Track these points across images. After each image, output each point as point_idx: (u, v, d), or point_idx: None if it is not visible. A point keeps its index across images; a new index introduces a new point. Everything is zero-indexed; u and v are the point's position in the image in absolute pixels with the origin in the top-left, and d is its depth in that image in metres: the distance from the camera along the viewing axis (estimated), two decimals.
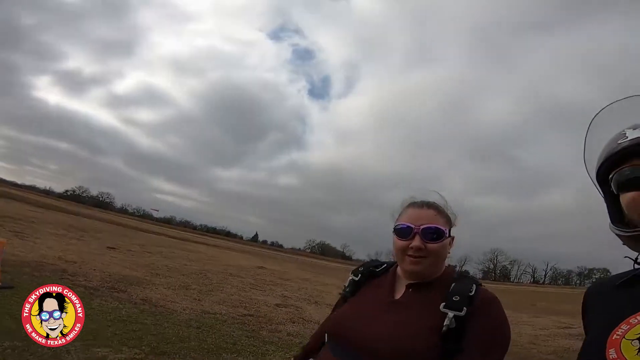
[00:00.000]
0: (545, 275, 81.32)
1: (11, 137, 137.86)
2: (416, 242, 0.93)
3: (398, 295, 0.97)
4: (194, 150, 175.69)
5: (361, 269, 1.10)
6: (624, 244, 0.67)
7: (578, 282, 73.13)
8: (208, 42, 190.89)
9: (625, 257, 0.68)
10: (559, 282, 76.92)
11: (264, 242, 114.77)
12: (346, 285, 1.09)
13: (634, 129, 0.67)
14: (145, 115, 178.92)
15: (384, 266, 1.08)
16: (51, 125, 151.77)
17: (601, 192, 0.73)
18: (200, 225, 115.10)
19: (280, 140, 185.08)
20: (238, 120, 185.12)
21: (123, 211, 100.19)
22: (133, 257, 11.71)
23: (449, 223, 1.00)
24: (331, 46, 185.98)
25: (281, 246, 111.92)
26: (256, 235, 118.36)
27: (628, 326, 0.58)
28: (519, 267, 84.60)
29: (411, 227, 0.94)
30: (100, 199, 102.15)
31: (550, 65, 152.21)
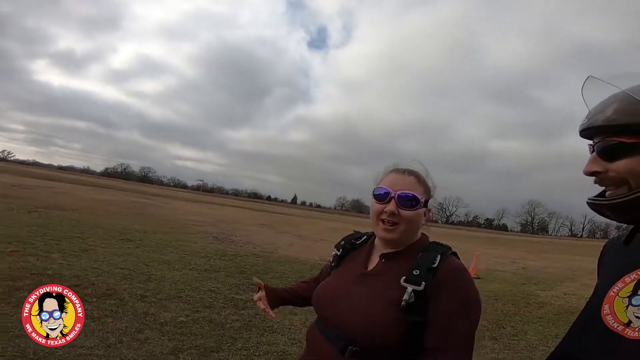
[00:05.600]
0: (582, 229, 78.31)
1: (31, 122, 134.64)
2: (391, 206, 0.94)
3: (372, 266, 1.00)
4: (203, 115, 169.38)
5: (342, 242, 1.12)
6: None
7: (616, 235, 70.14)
8: (194, 4, 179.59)
9: None
10: (597, 235, 73.69)
11: (303, 203, 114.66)
12: (331, 261, 1.13)
13: (587, 116, 0.73)
14: (149, 86, 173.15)
15: (363, 238, 1.12)
16: (63, 106, 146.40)
17: None
18: (231, 190, 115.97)
19: (286, 95, 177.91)
20: (241, 79, 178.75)
21: (159, 182, 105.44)
22: None
23: (427, 194, 1.00)
24: None
25: (319, 206, 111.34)
26: (295, 197, 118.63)
27: (623, 284, 0.64)
28: (556, 220, 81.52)
29: (388, 192, 0.95)
30: (143, 174, 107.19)
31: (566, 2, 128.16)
